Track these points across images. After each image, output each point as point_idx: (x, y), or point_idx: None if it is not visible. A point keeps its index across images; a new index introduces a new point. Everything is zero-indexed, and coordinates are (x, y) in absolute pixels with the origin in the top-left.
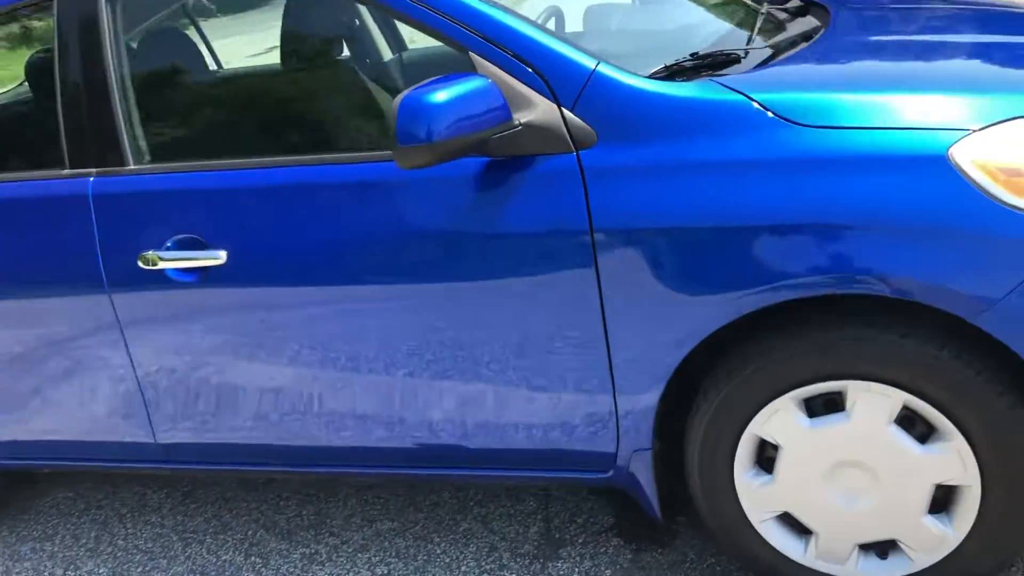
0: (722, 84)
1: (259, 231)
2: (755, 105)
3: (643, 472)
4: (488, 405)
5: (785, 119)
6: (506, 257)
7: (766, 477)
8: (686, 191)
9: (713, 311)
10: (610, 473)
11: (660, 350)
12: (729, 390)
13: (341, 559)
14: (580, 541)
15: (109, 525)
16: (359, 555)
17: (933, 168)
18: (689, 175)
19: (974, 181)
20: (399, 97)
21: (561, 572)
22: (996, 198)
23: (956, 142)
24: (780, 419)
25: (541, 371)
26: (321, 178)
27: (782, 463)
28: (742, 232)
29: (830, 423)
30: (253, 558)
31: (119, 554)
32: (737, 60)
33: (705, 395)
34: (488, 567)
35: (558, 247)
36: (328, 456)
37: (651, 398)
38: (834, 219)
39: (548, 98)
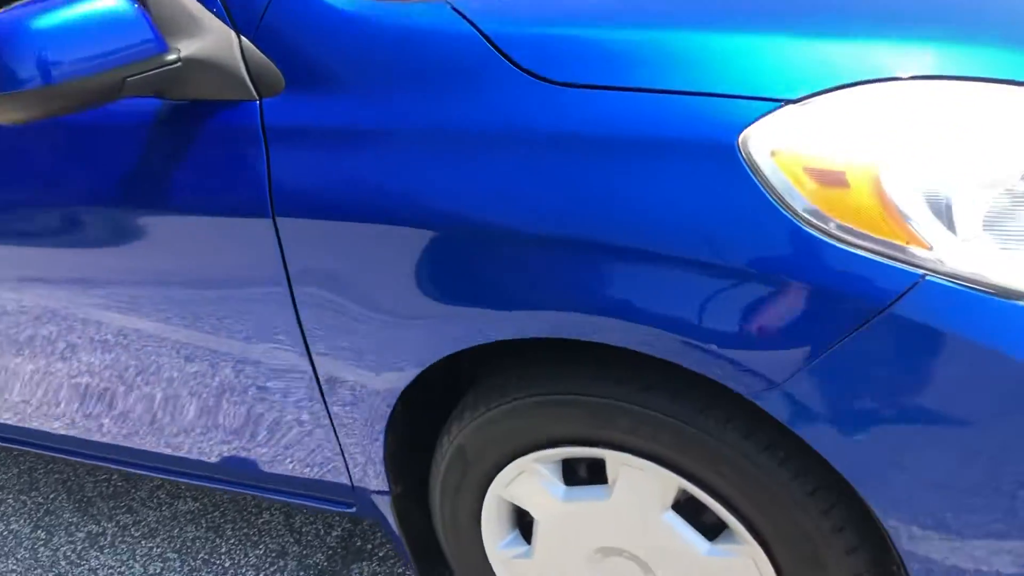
0: (455, 9)
1: None
2: (486, 44)
3: (389, 515)
4: (191, 412)
5: (520, 67)
6: (185, 239)
7: (524, 548)
8: (376, 171)
9: (423, 342)
10: (354, 508)
11: (370, 380)
12: (462, 438)
13: (122, 546)
14: (380, 555)
15: None
16: (142, 543)
17: (714, 162)
18: (384, 148)
19: (770, 185)
20: None
21: None
22: (798, 215)
23: (754, 122)
24: (527, 483)
25: (249, 385)
26: None
27: (539, 535)
28: (442, 237)
29: (588, 496)
30: (39, 532)
31: None
32: None
33: (440, 441)
34: None
35: (239, 232)
36: (51, 440)
37: (373, 435)
38: (556, 231)
39: (225, 21)
